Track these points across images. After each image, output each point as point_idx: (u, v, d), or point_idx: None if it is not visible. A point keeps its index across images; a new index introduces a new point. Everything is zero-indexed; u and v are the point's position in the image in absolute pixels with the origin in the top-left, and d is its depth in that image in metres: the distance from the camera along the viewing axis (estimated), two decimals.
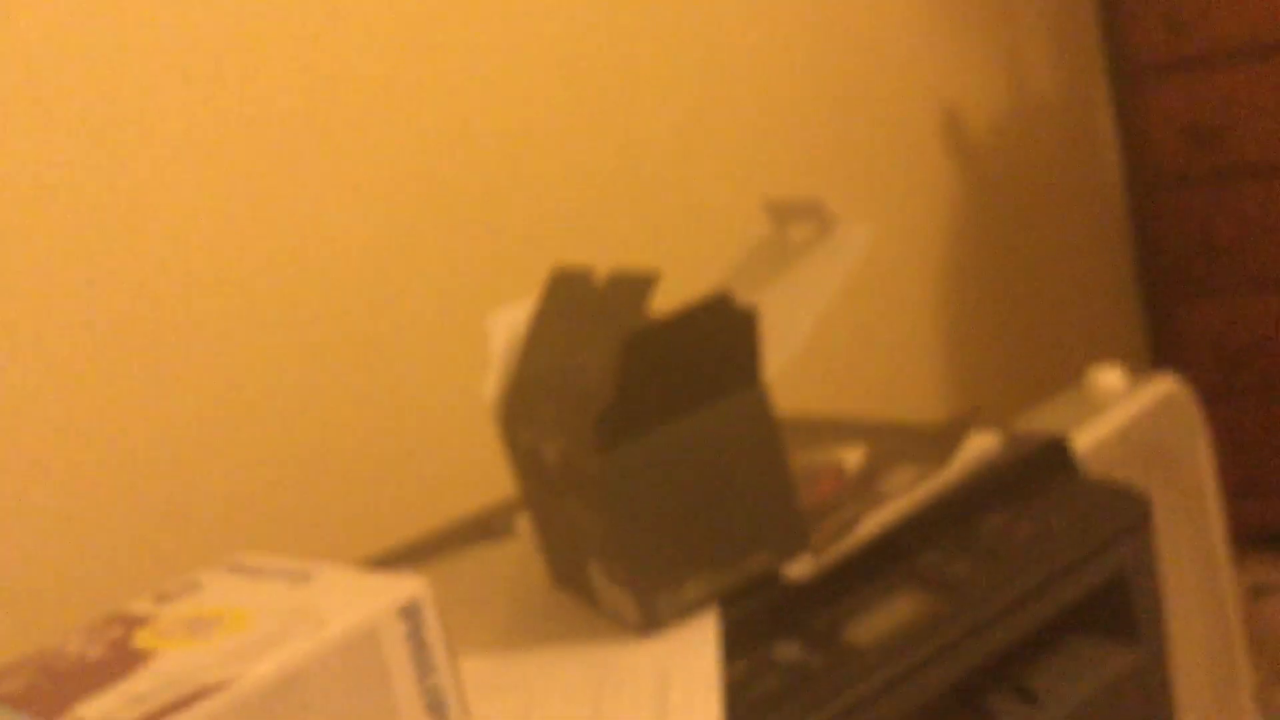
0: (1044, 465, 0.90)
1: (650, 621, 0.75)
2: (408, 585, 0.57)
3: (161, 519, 1.09)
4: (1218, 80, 1.80)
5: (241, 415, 1.14)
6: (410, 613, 0.57)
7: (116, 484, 1.08)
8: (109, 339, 1.07)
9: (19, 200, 1.03)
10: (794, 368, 1.57)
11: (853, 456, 0.94)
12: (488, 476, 1.29)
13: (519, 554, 0.93)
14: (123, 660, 0.55)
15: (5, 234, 1.03)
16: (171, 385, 1.10)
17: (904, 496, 0.85)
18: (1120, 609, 0.85)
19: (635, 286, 0.78)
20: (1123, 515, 0.85)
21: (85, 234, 1.06)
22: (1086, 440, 1.24)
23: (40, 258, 1.04)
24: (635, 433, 0.74)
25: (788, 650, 0.75)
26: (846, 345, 1.64)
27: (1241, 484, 1.90)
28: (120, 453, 1.08)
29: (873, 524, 0.82)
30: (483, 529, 1.01)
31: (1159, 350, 2.03)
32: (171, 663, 0.54)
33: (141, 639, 0.57)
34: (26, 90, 1.04)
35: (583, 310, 0.81)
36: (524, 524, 1.00)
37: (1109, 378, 1.36)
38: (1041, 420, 1.32)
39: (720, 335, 0.75)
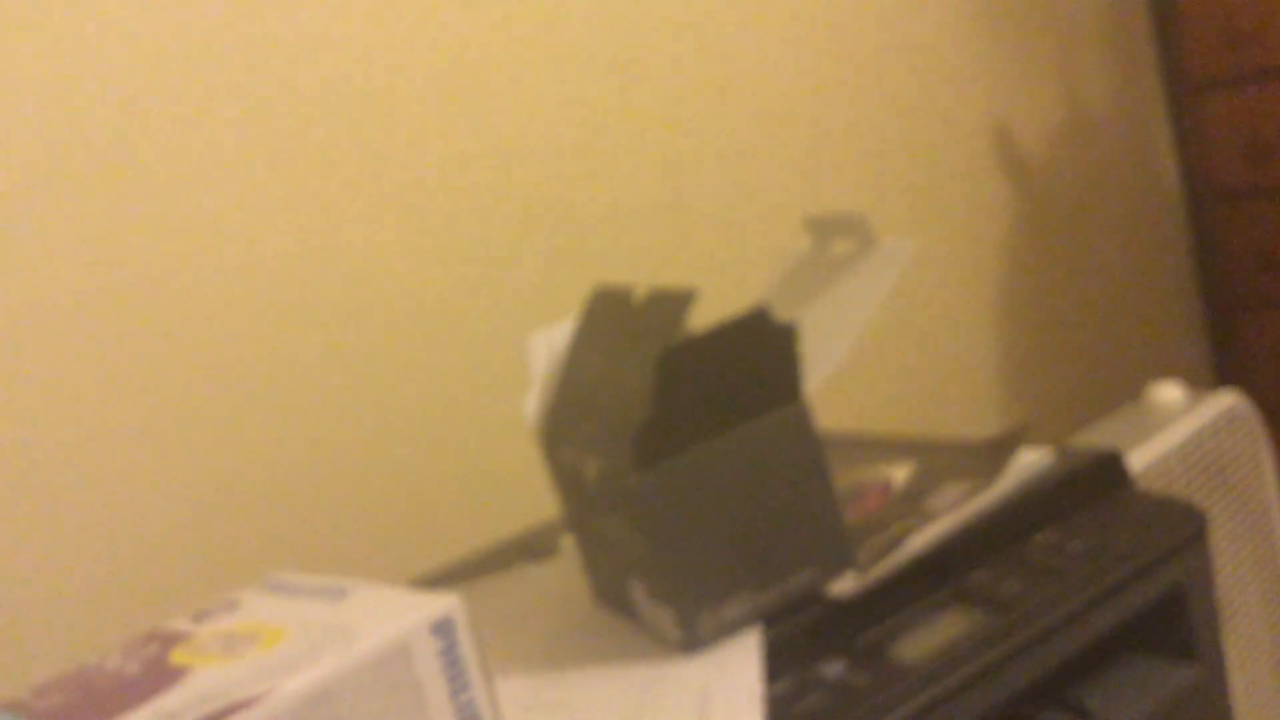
0: (1096, 480, 0.88)
1: (692, 640, 0.75)
2: (440, 602, 0.57)
3: (206, 538, 1.10)
4: (1276, 93, 1.77)
5: (285, 437, 1.15)
6: (443, 629, 0.56)
7: (163, 506, 1.09)
8: (154, 356, 1.09)
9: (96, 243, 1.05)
10: (846, 386, 1.56)
11: (900, 473, 0.93)
12: (535, 497, 1.29)
13: (562, 573, 0.93)
14: (158, 677, 0.55)
15: (66, 259, 1.05)
16: (217, 408, 1.12)
17: (952, 513, 0.83)
18: (1176, 625, 0.83)
19: (673, 303, 0.78)
20: (1178, 529, 0.83)
21: (139, 257, 1.08)
22: (1146, 457, 1.21)
23: (97, 277, 1.06)
24: (674, 450, 0.73)
25: (832, 668, 0.73)
26: (901, 363, 1.63)
27: None
28: (166, 474, 1.09)
29: (920, 541, 0.81)
30: (528, 549, 1.01)
31: (1221, 366, 1.99)
32: (205, 679, 0.54)
33: (178, 656, 0.57)
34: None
35: (622, 328, 0.81)
36: (568, 543, 0.99)
37: (1169, 393, 1.34)
38: (1100, 437, 1.29)
39: (759, 351, 0.75)
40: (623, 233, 1.38)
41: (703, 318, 1.37)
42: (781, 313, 0.90)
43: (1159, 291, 1.97)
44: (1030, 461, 0.88)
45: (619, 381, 0.78)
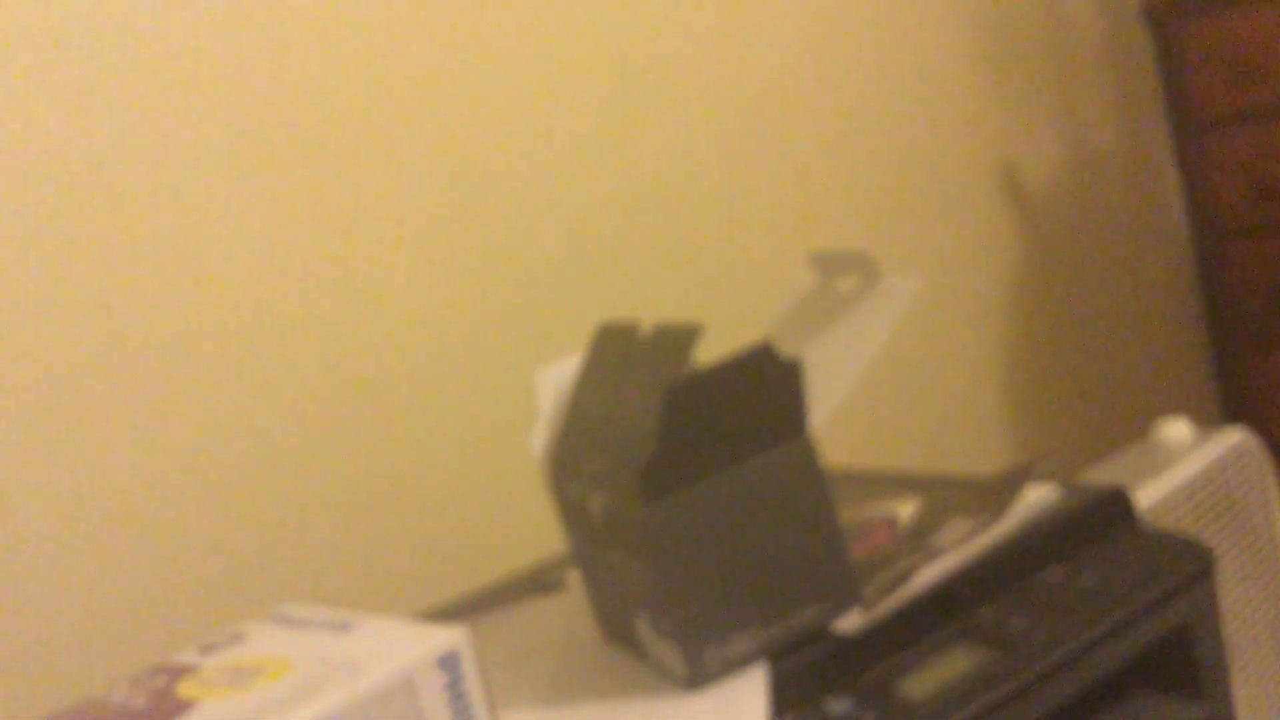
0: (1103, 516, 0.88)
1: (698, 676, 0.74)
2: (446, 635, 0.57)
3: (214, 571, 1.11)
4: None
5: (294, 470, 1.16)
6: (449, 663, 0.57)
7: (171, 537, 1.09)
8: (161, 390, 1.09)
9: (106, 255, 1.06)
10: (852, 421, 1.56)
11: (906, 509, 0.93)
12: (542, 531, 1.29)
13: (570, 608, 0.93)
14: (165, 709, 0.55)
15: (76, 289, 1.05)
16: (225, 442, 1.12)
17: (959, 549, 0.83)
18: (1184, 663, 0.83)
19: (679, 338, 0.78)
20: (1184, 566, 0.83)
21: (146, 291, 1.09)
22: (1154, 493, 1.21)
23: (104, 311, 1.07)
24: (680, 484, 0.73)
25: (839, 705, 0.73)
26: (908, 399, 1.63)
27: None
28: (174, 506, 1.09)
29: (927, 577, 0.81)
30: (536, 583, 1.01)
31: (1229, 403, 1.98)
32: (211, 711, 0.54)
33: (184, 689, 0.57)
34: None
35: (628, 363, 0.82)
36: (575, 578, 0.99)
37: (1176, 430, 1.33)
38: (1107, 474, 1.29)
39: (764, 386, 0.75)
40: (630, 269, 1.39)
41: (709, 353, 1.38)
42: (787, 348, 0.91)
43: (1166, 328, 1.97)
44: (1037, 498, 0.88)
45: (625, 416, 0.79)
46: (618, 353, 0.84)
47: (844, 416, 1.54)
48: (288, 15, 1.16)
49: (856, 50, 1.59)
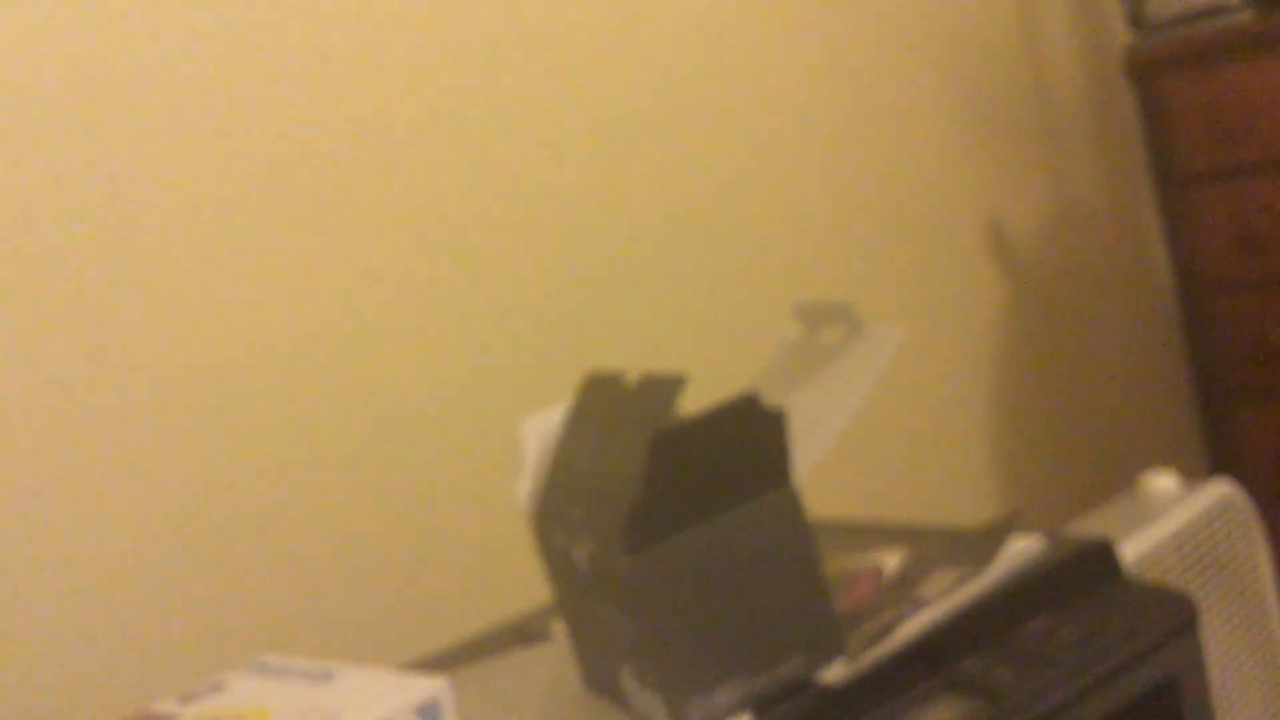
0: (1088, 569, 0.88)
1: None
2: (426, 685, 0.57)
3: (195, 619, 1.10)
4: (1265, 187, 1.80)
5: (278, 519, 1.15)
6: (428, 712, 0.56)
7: (152, 585, 1.08)
8: (142, 438, 1.09)
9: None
10: (837, 472, 1.56)
11: (891, 560, 0.93)
12: (527, 581, 1.29)
13: (554, 658, 0.92)
14: None
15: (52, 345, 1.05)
16: (208, 490, 1.12)
17: (944, 600, 0.83)
18: (1169, 716, 0.83)
19: (664, 388, 0.78)
20: (1169, 619, 0.83)
21: (121, 336, 1.09)
22: (1139, 546, 1.21)
23: (94, 358, 1.07)
24: (664, 534, 0.73)
25: None
26: (893, 451, 1.63)
27: None
28: (157, 553, 1.09)
29: (911, 628, 0.81)
30: (520, 633, 1.01)
31: (1214, 455, 1.99)
32: None
33: None
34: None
35: (614, 413, 0.82)
36: (559, 628, 0.99)
37: (1162, 483, 1.34)
38: (1093, 526, 1.29)
39: (749, 436, 0.75)
40: (617, 320, 1.39)
41: (694, 403, 1.38)
42: (771, 398, 0.91)
43: (1151, 381, 1.98)
44: (1022, 549, 0.88)
45: (610, 466, 0.79)
46: (603, 403, 0.84)
47: (829, 467, 1.54)
48: (293, 53, 1.17)
49: (845, 106, 1.61)
